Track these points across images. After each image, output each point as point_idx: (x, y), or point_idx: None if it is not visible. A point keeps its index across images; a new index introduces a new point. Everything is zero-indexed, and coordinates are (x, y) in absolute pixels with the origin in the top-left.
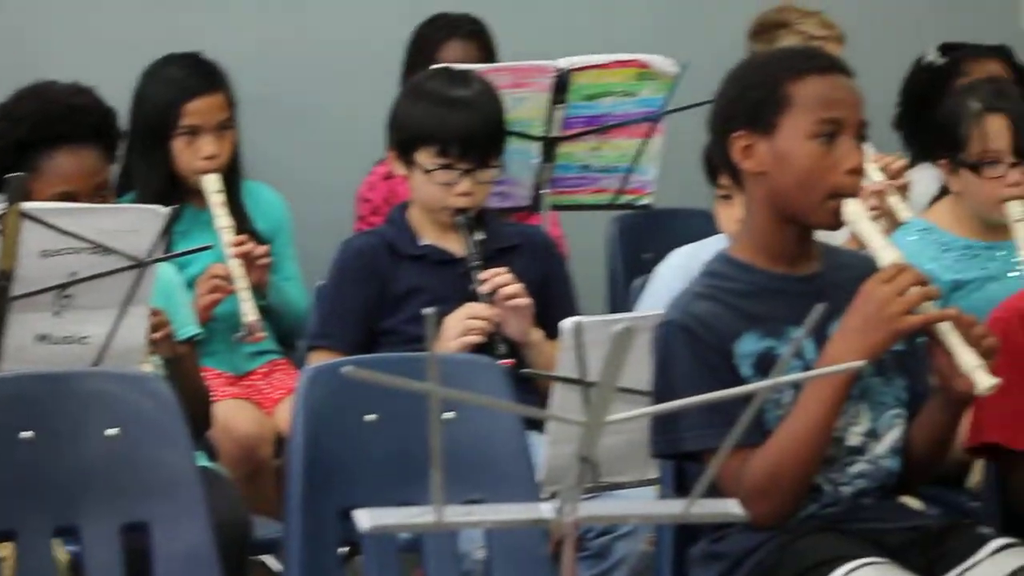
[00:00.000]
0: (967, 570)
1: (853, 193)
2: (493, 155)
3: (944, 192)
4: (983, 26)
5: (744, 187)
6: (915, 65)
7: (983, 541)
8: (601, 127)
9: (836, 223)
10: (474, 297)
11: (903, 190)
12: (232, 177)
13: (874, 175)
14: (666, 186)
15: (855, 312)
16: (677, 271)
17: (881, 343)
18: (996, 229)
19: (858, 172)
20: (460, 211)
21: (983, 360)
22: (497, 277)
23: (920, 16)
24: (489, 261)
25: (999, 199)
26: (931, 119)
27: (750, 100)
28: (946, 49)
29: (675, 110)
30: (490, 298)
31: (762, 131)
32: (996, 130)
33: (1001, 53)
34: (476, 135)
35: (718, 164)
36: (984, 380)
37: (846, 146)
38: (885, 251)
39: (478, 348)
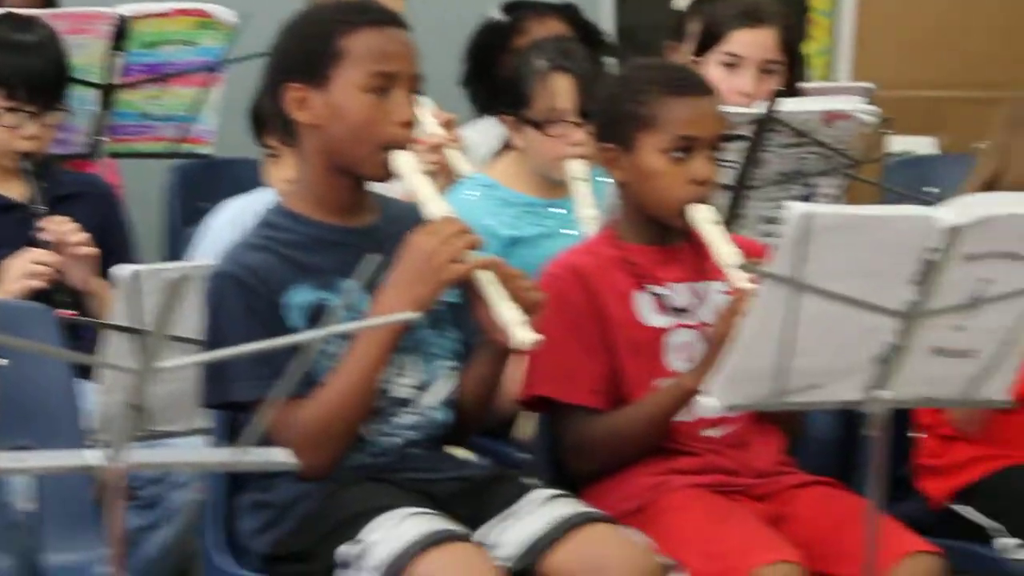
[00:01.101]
0: (511, 519)
1: (404, 145)
2: (59, 99)
3: (507, 148)
4: None
5: (297, 140)
6: (480, 23)
7: (528, 490)
8: (161, 75)
9: (386, 175)
10: (36, 244)
11: (456, 144)
12: None
13: (433, 129)
14: (227, 136)
15: (403, 264)
16: (226, 224)
17: (428, 294)
18: (557, 187)
19: (409, 125)
20: (26, 156)
21: (526, 314)
22: (61, 225)
23: None
24: (49, 208)
25: (561, 157)
26: (495, 75)
27: (304, 52)
28: (509, 7)
29: (234, 60)
30: (52, 246)
31: (316, 83)
32: (561, 89)
33: (564, 11)
34: (42, 78)
35: (269, 117)
36: (521, 335)
37: (399, 99)
38: (433, 204)
39: (39, 297)
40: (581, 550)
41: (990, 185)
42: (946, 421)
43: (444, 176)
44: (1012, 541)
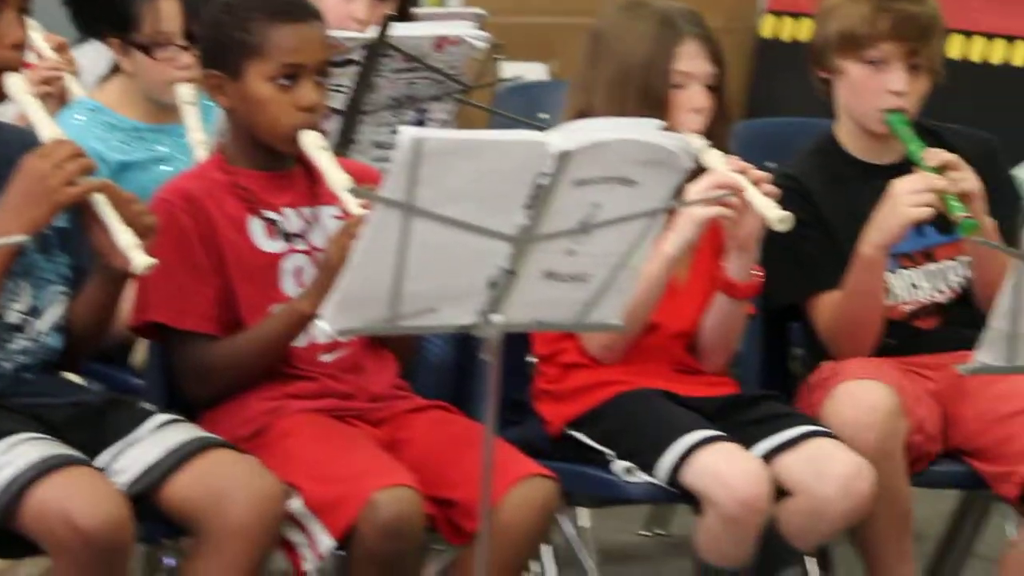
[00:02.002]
0: (129, 445)
1: (16, 68)
2: None
3: (116, 71)
4: None
5: None
6: None
7: (145, 416)
8: None
9: None
10: None
11: (71, 68)
12: None
13: (47, 53)
14: None
15: (15, 187)
16: None
17: (41, 217)
18: (166, 111)
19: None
20: None
21: (140, 239)
22: None
23: None
24: None
25: (169, 81)
26: None
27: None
28: None
29: None
30: None
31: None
32: (167, 12)
33: None
34: None
35: None
36: (139, 259)
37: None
38: (45, 127)
39: None
40: (200, 476)
41: (582, 117)
42: (565, 348)
43: (58, 101)
44: (624, 464)
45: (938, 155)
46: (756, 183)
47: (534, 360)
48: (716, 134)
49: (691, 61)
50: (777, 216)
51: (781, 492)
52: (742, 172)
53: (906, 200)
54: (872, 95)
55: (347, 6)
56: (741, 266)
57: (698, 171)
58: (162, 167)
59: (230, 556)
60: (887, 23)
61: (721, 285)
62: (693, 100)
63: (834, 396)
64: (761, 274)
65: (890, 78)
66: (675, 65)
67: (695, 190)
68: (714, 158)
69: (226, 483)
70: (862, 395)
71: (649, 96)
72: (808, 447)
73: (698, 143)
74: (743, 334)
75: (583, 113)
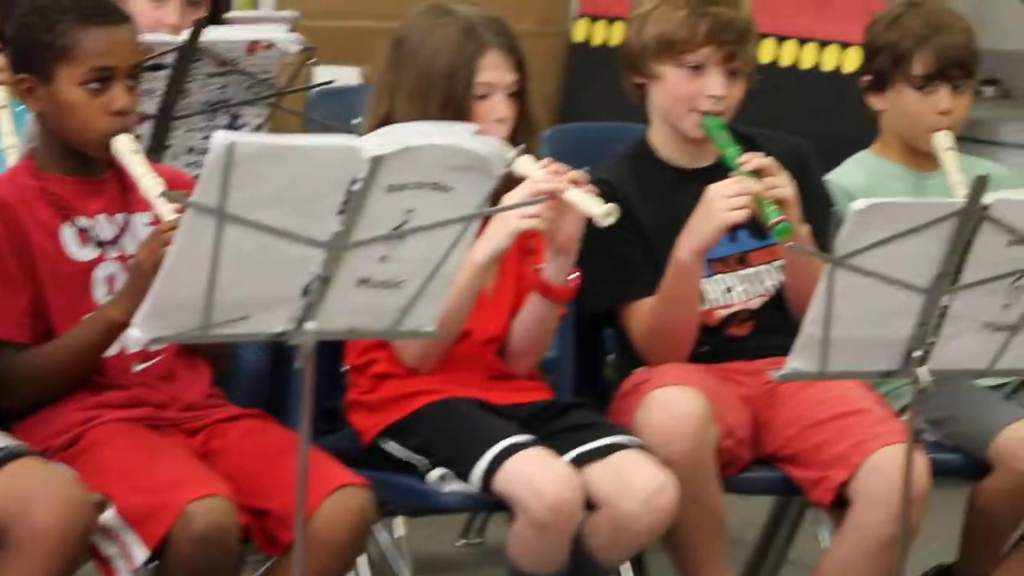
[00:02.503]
0: None
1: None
2: None
3: None
4: None
5: None
6: None
7: None
8: None
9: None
10: None
11: None
12: None
13: None
14: None
15: None
16: None
17: None
18: None
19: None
20: None
21: None
22: None
23: None
24: None
25: None
26: None
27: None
28: None
29: None
30: None
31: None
32: None
33: None
34: None
35: None
36: None
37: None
38: None
39: None
40: (7, 484)
41: (385, 122)
42: (377, 359)
43: None
44: (438, 473)
45: (754, 159)
46: (574, 183)
47: (347, 370)
48: (522, 142)
49: (493, 72)
50: (603, 211)
51: (591, 505)
52: (558, 175)
53: (722, 204)
54: (689, 100)
55: (158, 11)
56: (559, 269)
57: (511, 180)
58: None
59: (36, 564)
60: (705, 28)
61: (538, 287)
62: (496, 110)
63: (646, 403)
64: (578, 276)
65: (708, 83)
66: (477, 76)
67: (513, 198)
68: (527, 165)
69: (33, 491)
70: (673, 402)
71: (451, 106)
72: (615, 459)
73: (510, 153)
74: (557, 340)
75: (385, 119)
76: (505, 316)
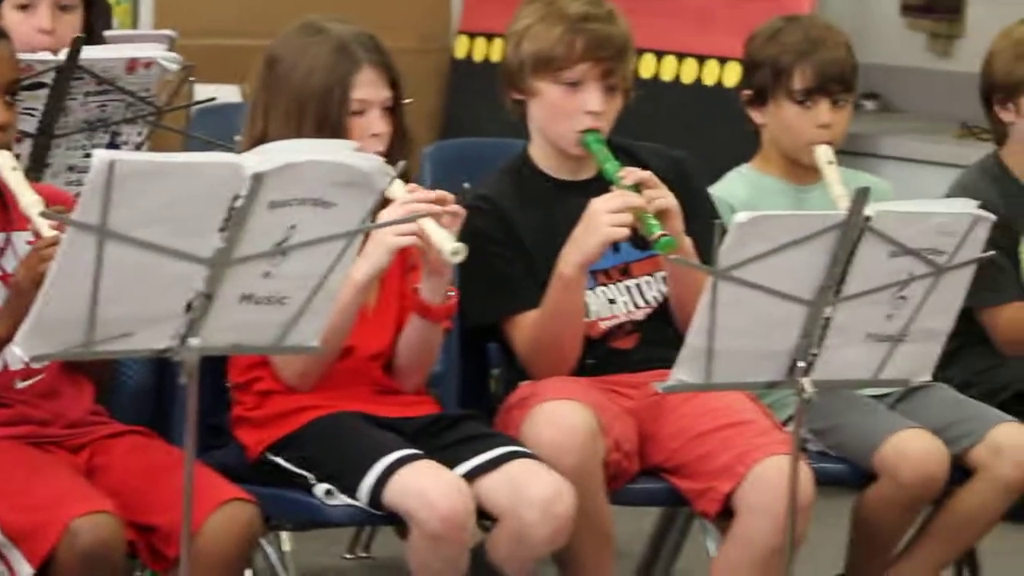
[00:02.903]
0: None
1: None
2: None
3: None
4: None
5: None
6: None
7: None
8: None
9: None
10: None
11: None
12: None
13: None
14: None
15: None
16: None
17: None
18: None
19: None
20: None
21: None
22: None
23: None
24: None
25: None
26: None
27: None
28: None
29: None
30: None
31: None
32: None
33: None
34: None
35: None
36: None
37: None
38: None
39: None
40: None
41: (260, 142)
42: (261, 376)
43: None
44: (324, 487)
45: (634, 173)
46: (440, 202)
47: (232, 386)
48: (399, 157)
49: (367, 88)
50: (451, 248)
51: (490, 518)
52: (423, 202)
53: (604, 219)
54: (568, 116)
55: (29, 19)
56: (435, 289)
57: (387, 199)
58: None
59: None
60: (582, 44)
61: (416, 308)
62: (372, 126)
63: (532, 417)
64: (455, 295)
65: (586, 98)
66: (352, 93)
67: (385, 217)
68: (396, 188)
69: None
70: (560, 416)
71: (326, 124)
72: (508, 469)
73: (393, 169)
74: (442, 354)
75: (260, 139)
76: (389, 332)
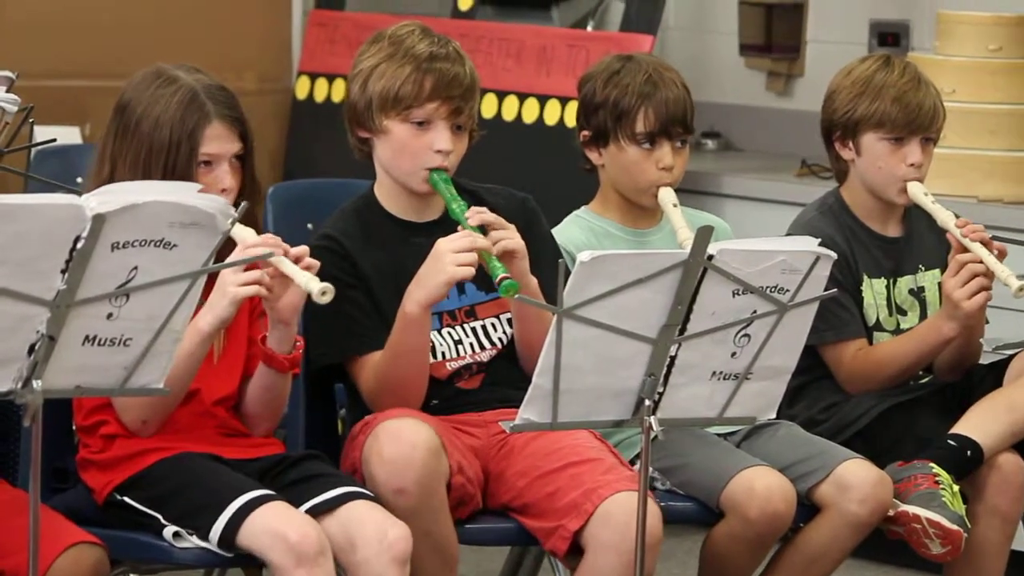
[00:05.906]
0: None
1: None
2: None
3: None
4: None
5: None
6: None
7: None
8: None
9: None
10: None
11: None
12: None
13: None
14: None
15: None
16: None
17: None
18: None
19: None
20: None
21: None
22: None
23: None
24: None
25: None
26: None
27: None
28: None
29: None
30: None
31: None
32: None
33: None
34: None
35: None
36: None
37: None
38: None
39: None
40: None
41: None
42: (107, 419)
43: None
44: (173, 529)
45: (481, 214)
46: (296, 259)
47: (77, 429)
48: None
49: (216, 143)
50: (319, 288)
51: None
52: (278, 246)
53: (450, 259)
54: (416, 154)
55: None
56: (281, 338)
57: (231, 243)
58: None
59: None
60: (431, 84)
61: (263, 357)
62: (220, 181)
63: (375, 434)
64: (302, 344)
65: (435, 138)
66: (201, 148)
67: (231, 261)
68: (242, 231)
69: None
70: (403, 432)
71: (175, 175)
72: (343, 511)
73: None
74: (290, 395)
75: (107, 181)
76: (235, 376)
